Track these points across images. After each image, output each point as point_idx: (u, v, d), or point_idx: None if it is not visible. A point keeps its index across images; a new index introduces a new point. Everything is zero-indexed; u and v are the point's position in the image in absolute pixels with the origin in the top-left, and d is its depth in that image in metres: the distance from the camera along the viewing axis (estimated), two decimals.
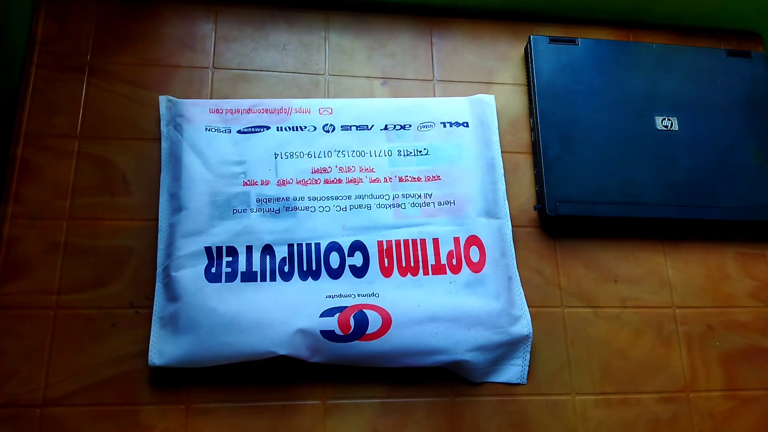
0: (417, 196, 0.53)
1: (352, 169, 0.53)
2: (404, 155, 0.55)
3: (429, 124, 0.56)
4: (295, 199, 0.51)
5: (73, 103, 0.54)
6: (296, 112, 0.55)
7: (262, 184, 0.52)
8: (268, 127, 0.54)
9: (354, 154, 0.54)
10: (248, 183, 0.52)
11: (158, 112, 0.54)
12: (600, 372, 0.52)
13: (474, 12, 0.63)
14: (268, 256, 0.50)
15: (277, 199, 0.51)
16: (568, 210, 0.54)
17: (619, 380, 0.52)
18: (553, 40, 0.60)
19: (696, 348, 0.54)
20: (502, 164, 0.57)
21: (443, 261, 0.51)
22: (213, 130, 0.53)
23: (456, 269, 0.51)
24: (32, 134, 0.52)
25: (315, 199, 0.52)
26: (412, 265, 0.51)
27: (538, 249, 0.55)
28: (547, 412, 0.50)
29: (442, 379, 0.50)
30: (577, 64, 0.60)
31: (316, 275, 0.50)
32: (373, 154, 0.54)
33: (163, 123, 0.54)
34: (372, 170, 0.54)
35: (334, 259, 0.50)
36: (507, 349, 0.50)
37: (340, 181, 0.53)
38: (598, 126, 0.57)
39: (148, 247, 0.50)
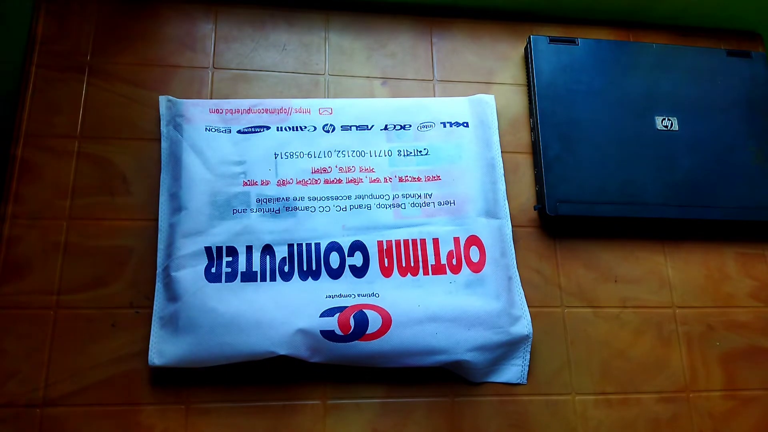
0: (417, 196, 0.53)
1: (352, 169, 0.53)
2: (404, 155, 0.55)
3: (429, 124, 0.56)
4: (295, 199, 0.51)
5: (73, 103, 0.54)
6: (296, 112, 0.55)
7: (262, 184, 0.52)
8: (268, 127, 0.54)
9: (354, 154, 0.54)
10: (248, 183, 0.52)
11: (158, 112, 0.54)
12: (600, 372, 0.52)
13: (474, 12, 0.63)
14: (268, 256, 0.50)
15: (277, 199, 0.51)
16: (568, 210, 0.54)
17: (619, 380, 0.52)
18: (553, 40, 0.60)
19: (696, 348, 0.54)
20: (502, 164, 0.57)
21: (443, 261, 0.51)
22: (213, 130, 0.53)
23: (456, 269, 0.51)
24: (32, 134, 0.52)
25: (315, 199, 0.52)
26: (412, 265, 0.51)
27: (538, 249, 0.55)
28: (547, 412, 0.50)
29: (442, 379, 0.50)
30: (577, 64, 0.60)
31: (316, 275, 0.50)
32: (373, 154, 0.54)
33: (163, 123, 0.54)
34: (372, 170, 0.54)
35: (334, 259, 0.50)
36: (507, 349, 0.50)
37: (340, 181, 0.53)
38: (598, 126, 0.57)
39: (148, 247, 0.50)
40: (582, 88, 0.59)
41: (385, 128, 0.55)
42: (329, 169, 0.53)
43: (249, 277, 0.49)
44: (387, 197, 0.53)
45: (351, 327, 0.47)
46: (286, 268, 0.50)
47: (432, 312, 0.49)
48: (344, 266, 0.50)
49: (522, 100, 0.60)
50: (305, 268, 0.50)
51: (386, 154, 0.54)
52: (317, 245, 0.50)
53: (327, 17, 0.61)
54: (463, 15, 0.63)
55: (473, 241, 0.52)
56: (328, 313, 0.48)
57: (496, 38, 0.63)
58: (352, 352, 0.47)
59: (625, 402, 0.51)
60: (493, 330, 0.49)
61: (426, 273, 0.51)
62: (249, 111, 0.54)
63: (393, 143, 0.55)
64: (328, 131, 0.55)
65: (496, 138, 0.57)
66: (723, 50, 0.63)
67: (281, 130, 0.54)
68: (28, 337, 0.47)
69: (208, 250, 0.49)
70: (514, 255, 0.54)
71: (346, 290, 0.49)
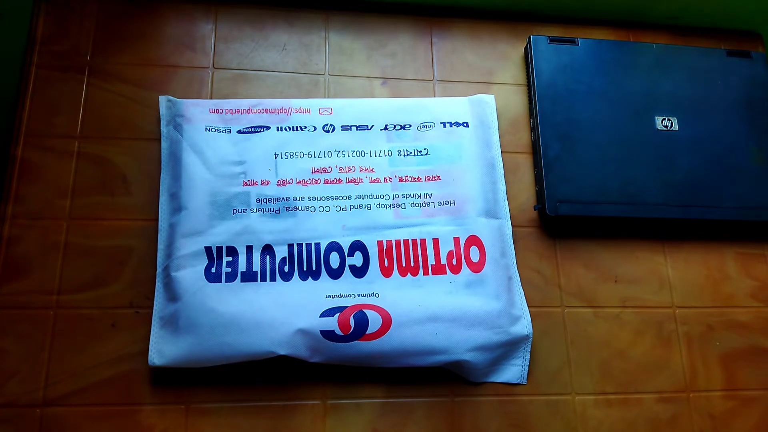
0: (417, 196, 0.53)
1: (352, 169, 0.53)
2: (404, 155, 0.55)
3: (429, 124, 0.56)
4: (295, 199, 0.51)
5: (73, 103, 0.54)
6: (296, 112, 0.55)
7: (262, 184, 0.52)
8: (268, 127, 0.54)
9: (354, 154, 0.54)
10: (248, 183, 0.52)
11: (158, 112, 0.54)
12: (600, 372, 0.52)
13: (474, 12, 0.63)
14: (268, 256, 0.50)
15: (277, 199, 0.51)
16: (568, 210, 0.54)
17: (619, 380, 0.52)
18: (553, 40, 0.60)
19: (696, 348, 0.54)
20: (502, 164, 0.57)
21: (443, 261, 0.51)
22: (213, 130, 0.53)
23: (456, 269, 0.51)
24: (32, 134, 0.52)
25: (315, 199, 0.52)
26: (412, 265, 0.51)
27: (538, 249, 0.55)
28: (547, 412, 0.50)
29: (442, 379, 0.50)
30: (577, 64, 0.60)
31: (316, 275, 0.50)
32: (373, 154, 0.54)
33: (163, 123, 0.54)
34: (372, 170, 0.54)
35: (334, 259, 0.50)
36: (507, 349, 0.50)
37: (340, 181, 0.53)
38: (598, 126, 0.57)
39: (148, 247, 0.50)
40: (582, 88, 0.59)
41: (385, 128, 0.55)
42: (329, 169, 0.53)
43: (249, 277, 0.49)
44: (387, 197, 0.53)
45: (351, 327, 0.47)
46: (286, 268, 0.50)
47: (432, 312, 0.49)
48: (344, 266, 0.50)
49: (522, 100, 0.60)
50: (305, 268, 0.50)
51: (386, 154, 0.54)
52: (317, 245, 0.50)
53: (327, 17, 0.61)
54: (463, 15, 0.63)
55: (473, 241, 0.52)
56: (328, 313, 0.48)
57: (496, 38, 0.63)
58: (352, 352, 0.47)
59: (625, 402, 0.51)
60: (493, 330, 0.49)
61: (426, 273, 0.51)
62: (249, 111, 0.54)
63: (393, 143, 0.55)
64: (328, 131, 0.55)
65: (496, 138, 0.57)
66: (723, 50, 0.63)
67: (281, 130, 0.54)
68: (28, 337, 0.47)
69: (208, 250, 0.49)
70: (514, 255, 0.54)
71: (346, 290, 0.49)
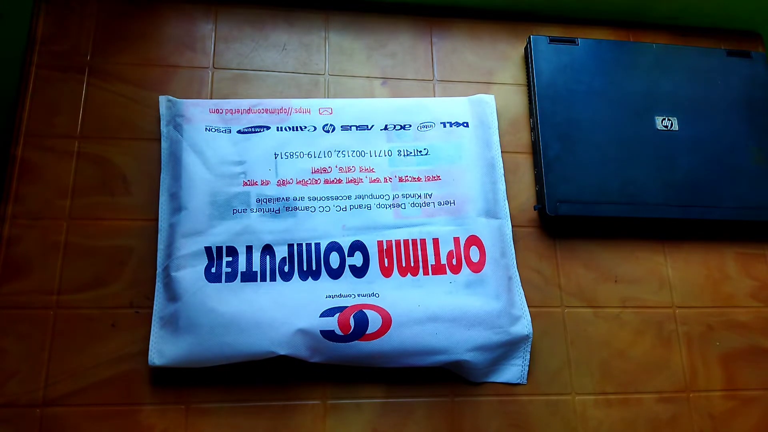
0: (417, 196, 0.53)
1: (352, 169, 0.53)
2: (404, 155, 0.55)
3: (429, 124, 0.56)
4: (295, 199, 0.51)
5: (73, 103, 0.54)
6: (296, 112, 0.55)
7: (262, 184, 0.52)
8: (268, 127, 0.54)
9: (354, 154, 0.54)
10: (248, 183, 0.52)
11: (158, 112, 0.54)
12: (600, 372, 0.52)
13: (474, 12, 0.63)
14: (268, 256, 0.50)
15: (277, 199, 0.51)
16: (568, 210, 0.54)
17: (619, 380, 0.52)
18: (553, 40, 0.60)
19: (696, 348, 0.54)
20: (502, 164, 0.57)
21: (443, 261, 0.51)
22: (213, 130, 0.53)
23: (456, 269, 0.51)
24: (32, 134, 0.52)
25: (315, 199, 0.52)
26: (412, 265, 0.51)
27: (538, 249, 0.55)
28: (547, 412, 0.50)
29: (442, 379, 0.50)
30: (577, 64, 0.60)
31: (316, 275, 0.50)
32: (373, 154, 0.54)
33: (163, 123, 0.54)
34: (372, 170, 0.54)
35: (334, 259, 0.50)
36: (507, 349, 0.50)
37: (340, 181, 0.53)
38: (598, 126, 0.57)
39: (148, 247, 0.50)
40: (582, 88, 0.59)
41: (385, 128, 0.55)
42: (329, 169, 0.53)
43: (249, 277, 0.49)
44: (387, 197, 0.53)
45: (351, 327, 0.47)
46: (286, 268, 0.50)
47: (432, 312, 0.49)
48: (344, 266, 0.50)
49: (522, 100, 0.60)
50: (305, 268, 0.50)
51: (386, 154, 0.54)
52: (317, 245, 0.50)
53: (327, 17, 0.61)
54: (463, 15, 0.63)
55: (473, 241, 0.52)
56: (328, 313, 0.48)
57: (496, 38, 0.63)
58: (352, 352, 0.47)
59: (625, 402, 0.51)
60: (493, 330, 0.49)
61: (426, 273, 0.51)
62: (249, 111, 0.54)
63: (393, 143, 0.55)
64: (328, 131, 0.55)
65: (496, 138, 0.57)
66: (723, 50, 0.63)
67: (281, 130, 0.54)
68: (28, 337, 0.47)
69: (208, 250, 0.49)
70: (514, 255, 0.54)
71: (346, 290, 0.49)
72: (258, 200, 0.51)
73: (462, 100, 0.58)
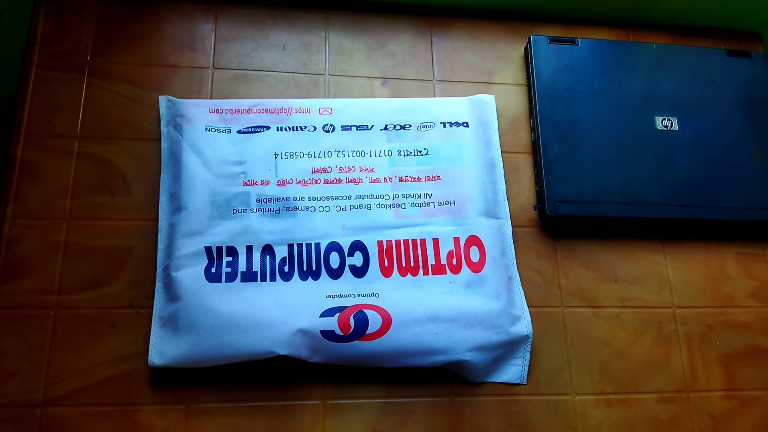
0: (417, 196, 0.53)
1: (352, 169, 0.53)
2: (404, 155, 0.55)
3: (429, 124, 0.56)
4: (295, 199, 0.51)
5: (73, 103, 0.54)
6: (296, 112, 0.55)
7: (262, 184, 0.52)
8: (268, 127, 0.54)
9: (354, 154, 0.54)
10: (248, 183, 0.52)
11: (158, 112, 0.54)
12: (600, 372, 0.52)
13: (474, 12, 0.63)
14: (268, 256, 0.50)
15: (277, 199, 0.51)
16: (568, 210, 0.54)
17: (619, 380, 0.52)
18: (553, 40, 0.60)
19: (696, 348, 0.54)
20: (502, 164, 0.57)
21: (443, 261, 0.51)
22: (213, 130, 0.53)
23: (456, 269, 0.51)
24: (32, 134, 0.52)
25: (315, 199, 0.52)
26: (412, 265, 0.51)
27: (538, 249, 0.55)
28: (547, 412, 0.50)
29: (442, 379, 0.50)
30: (577, 64, 0.60)
31: (316, 275, 0.50)
32: (373, 154, 0.54)
33: (163, 123, 0.54)
34: (372, 170, 0.54)
35: (334, 259, 0.50)
36: (507, 349, 0.50)
37: (340, 181, 0.53)
38: (598, 126, 0.57)
39: (148, 247, 0.50)
40: (582, 88, 0.59)
41: (385, 128, 0.55)
42: (329, 169, 0.53)
43: (249, 277, 0.49)
44: (387, 197, 0.53)
45: (351, 327, 0.47)
46: (286, 268, 0.50)
47: (432, 312, 0.49)
48: (344, 266, 0.50)
49: (522, 100, 0.60)
50: (305, 268, 0.50)
51: (386, 154, 0.54)
52: (317, 245, 0.50)
53: (327, 17, 0.61)
54: (463, 15, 0.63)
55: (473, 241, 0.52)
56: (328, 313, 0.48)
57: (496, 38, 0.63)
58: (352, 352, 0.47)
59: (625, 402, 0.51)
60: (493, 330, 0.49)
61: (426, 273, 0.51)
62: (249, 111, 0.54)
63: (393, 143, 0.55)
64: (328, 131, 0.55)
65: (496, 138, 0.57)
66: (723, 50, 0.63)
67: (281, 130, 0.54)
68: (28, 337, 0.47)
69: (208, 250, 0.49)
70: (514, 255, 0.54)
71: (346, 290, 0.49)
72: (258, 200, 0.51)
73: (462, 100, 0.58)
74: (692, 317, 0.55)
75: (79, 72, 0.55)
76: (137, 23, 0.57)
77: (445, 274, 0.51)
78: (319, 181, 0.52)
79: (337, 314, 0.48)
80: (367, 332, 0.47)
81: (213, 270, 0.49)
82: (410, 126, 0.56)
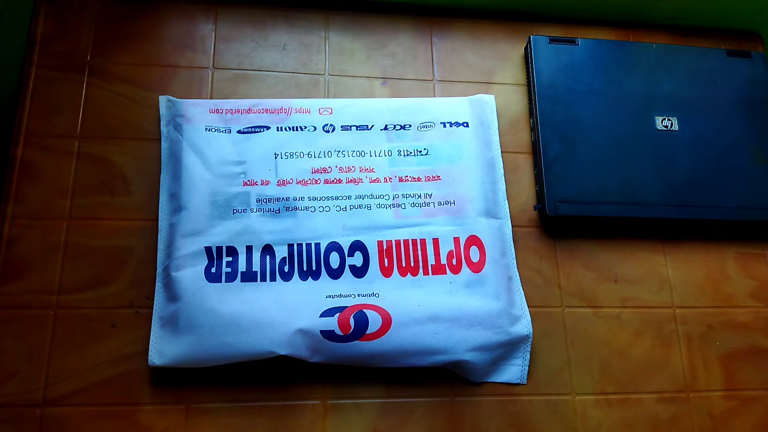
0: (417, 196, 0.53)
1: (352, 169, 0.53)
2: (404, 155, 0.55)
3: (429, 124, 0.56)
4: (295, 199, 0.51)
5: (73, 103, 0.54)
6: (296, 112, 0.55)
7: (262, 184, 0.52)
8: (268, 127, 0.54)
9: (354, 154, 0.54)
10: (248, 183, 0.52)
11: (158, 112, 0.54)
12: (600, 372, 0.52)
13: (474, 12, 0.63)
14: (268, 256, 0.50)
15: (277, 199, 0.51)
16: (568, 210, 0.54)
17: (619, 380, 0.52)
18: (553, 40, 0.60)
19: (696, 348, 0.54)
20: (502, 164, 0.57)
21: (443, 261, 0.51)
22: (213, 130, 0.53)
23: (456, 269, 0.51)
24: (32, 134, 0.52)
25: (315, 199, 0.52)
26: (412, 265, 0.51)
27: (538, 249, 0.55)
28: (547, 412, 0.50)
29: (442, 379, 0.50)
30: (577, 64, 0.60)
31: (316, 275, 0.50)
32: (373, 154, 0.54)
33: (163, 123, 0.54)
34: (372, 170, 0.54)
35: (334, 259, 0.50)
36: (507, 349, 0.50)
37: (340, 181, 0.53)
38: (598, 126, 0.57)
39: (148, 247, 0.50)
40: (582, 88, 0.59)
41: (385, 128, 0.55)
42: (329, 169, 0.53)
43: (249, 277, 0.49)
44: (387, 197, 0.53)
45: (351, 327, 0.47)
46: (286, 268, 0.50)
47: (432, 312, 0.49)
48: (344, 266, 0.50)
49: (522, 100, 0.60)
50: (305, 268, 0.50)
51: (386, 154, 0.54)
52: (317, 245, 0.50)
53: (327, 17, 0.61)
54: (463, 15, 0.63)
55: (473, 241, 0.52)
56: (328, 313, 0.48)
57: (496, 38, 0.63)
58: (352, 352, 0.47)
59: (625, 402, 0.51)
60: (493, 330, 0.49)
61: (426, 273, 0.51)
62: (249, 111, 0.54)
63: (393, 143, 0.55)
64: (328, 131, 0.55)
65: (496, 138, 0.57)
66: (723, 50, 0.63)
67: (281, 130, 0.54)
68: (28, 337, 0.47)
69: (208, 250, 0.49)
70: (514, 255, 0.54)
71: (346, 290, 0.49)
72: (258, 200, 0.51)
73: (462, 100, 0.58)
74: (692, 317, 0.55)
75: (79, 72, 0.55)
76: (137, 23, 0.57)
77: (445, 274, 0.51)
78: (319, 181, 0.52)
79: (337, 314, 0.48)
80: (367, 332, 0.47)
81: (213, 270, 0.49)
82: (410, 126, 0.56)
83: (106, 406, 0.46)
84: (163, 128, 0.54)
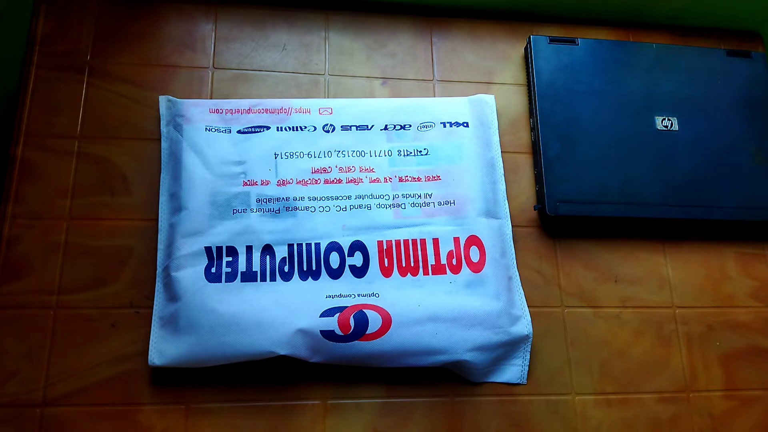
0: (417, 196, 0.53)
1: (352, 169, 0.53)
2: (404, 155, 0.55)
3: (429, 124, 0.56)
4: (295, 199, 0.51)
5: (73, 103, 0.54)
6: (296, 112, 0.55)
7: (262, 184, 0.52)
8: (268, 127, 0.54)
9: (354, 154, 0.54)
10: (248, 183, 0.52)
11: (158, 112, 0.54)
12: (600, 372, 0.52)
13: (474, 12, 0.63)
14: (268, 256, 0.50)
15: (277, 199, 0.51)
16: (568, 210, 0.54)
17: (619, 380, 0.52)
18: (553, 40, 0.60)
19: (696, 348, 0.54)
20: (502, 164, 0.57)
21: (443, 261, 0.51)
22: (213, 130, 0.53)
23: (456, 269, 0.51)
24: (32, 134, 0.52)
25: (315, 199, 0.52)
26: (412, 265, 0.51)
27: (538, 249, 0.55)
28: (547, 412, 0.50)
29: (442, 379, 0.50)
30: (577, 64, 0.60)
31: (316, 275, 0.50)
32: (373, 154, 0.54)
33: (163, 123, 0.54)
34: (372, 170, 0.54)
35: (334, 259, 0.50)
36: (507, 349, 0.50)
37: (340, 181, 0.53)
38: (598, 126, 0.57)
39: (148, 247, 0.50)
40: (582, 88, 0.59)
41: (385, 128, 0.55)
42: (329, 169, 0.53)
43: (249, 277, 0.49)
44: (387, 197, 0.53)
45: (351, 327, 0.47)
46: (286, 268, 0.50)
47: (432, 312, 0.49)
48: (344, 266, 0.50)
49: (522, 100, 0.60)
50: (305, 268, 0.50)
51: (386, 154, 0.54)
52: (317, 245, 0.50)
53: (327, 17, 0.61)
54: (463, 15, 0.63)
55: (473, 241, 0.52)
56: (328, 313, 0.48)
57: (496, 38, 0.63)
58: (352, 352, 0.47)
59: (625, 402, 0.51)
60: (493, 330, 0.49)
61: (426, 273, 0.51)
62: (249, 111, 0.54)
63: (393, 143, 0.55)
64: (328, 131, 0.55)
65: (496, 138, 0.57)
66: (723, 50, 0.63)
67: (281, 130, 0.54)
68: (28, 337, 0.47)
69: (208, 250, 0.49)
70: (514, 255, 0.54)
71: (346, 290, 0.49)
72: (258, 200, 0.51)
73: (462, 100, 0.58)
74: (692, 317, 0.55)
75: (79, 72, 0.55)
76: (137, 23, 0.57)
77: (445, 274, 0.51)
78: (319, 181, 0.52)
79: (337, 314, 0.48)
80: (367, 332, 0.47)
81: (213, 270, 0.49)
82: (410, 126, 0.56)
83: (106, 406, 0.46)
84: (163, 128, 0.54)
